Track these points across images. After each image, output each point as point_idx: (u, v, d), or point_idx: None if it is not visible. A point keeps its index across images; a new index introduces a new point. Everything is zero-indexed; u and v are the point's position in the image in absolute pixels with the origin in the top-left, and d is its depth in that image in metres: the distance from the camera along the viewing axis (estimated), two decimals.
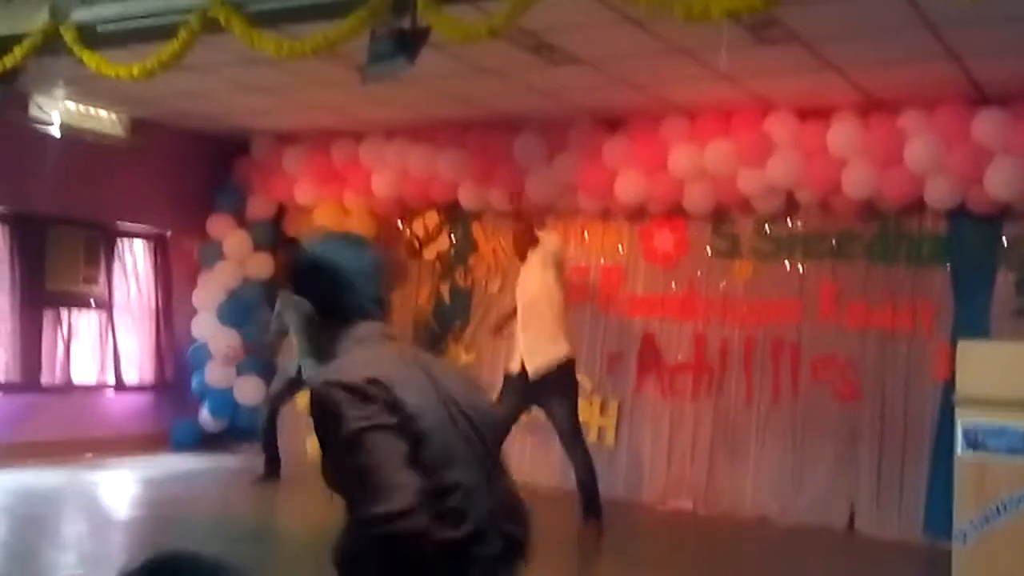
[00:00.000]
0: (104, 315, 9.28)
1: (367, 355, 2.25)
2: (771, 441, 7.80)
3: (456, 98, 7.84)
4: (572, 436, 6.79)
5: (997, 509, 5.60)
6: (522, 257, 7.09)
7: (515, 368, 6.86)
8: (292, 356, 8.25)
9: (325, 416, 2.14)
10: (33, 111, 8.39)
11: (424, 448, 2.13)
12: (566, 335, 6.92)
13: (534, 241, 7.02)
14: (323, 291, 2.32)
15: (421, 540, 2.05)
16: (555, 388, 6.75)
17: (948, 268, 7.30)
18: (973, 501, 5.62)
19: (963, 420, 5.63)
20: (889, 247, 7.49)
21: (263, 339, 8.70)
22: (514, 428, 7.24)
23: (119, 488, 8.02)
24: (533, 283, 6.87)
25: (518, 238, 7.14)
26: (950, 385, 6.63)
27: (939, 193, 6.95)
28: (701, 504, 7.91)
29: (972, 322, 7.00)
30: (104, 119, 9.05)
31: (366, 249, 2.42)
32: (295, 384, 8.19)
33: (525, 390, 6.79)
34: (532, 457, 8.50)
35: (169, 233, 9.81)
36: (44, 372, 8.77)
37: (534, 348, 6.76)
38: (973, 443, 5.63)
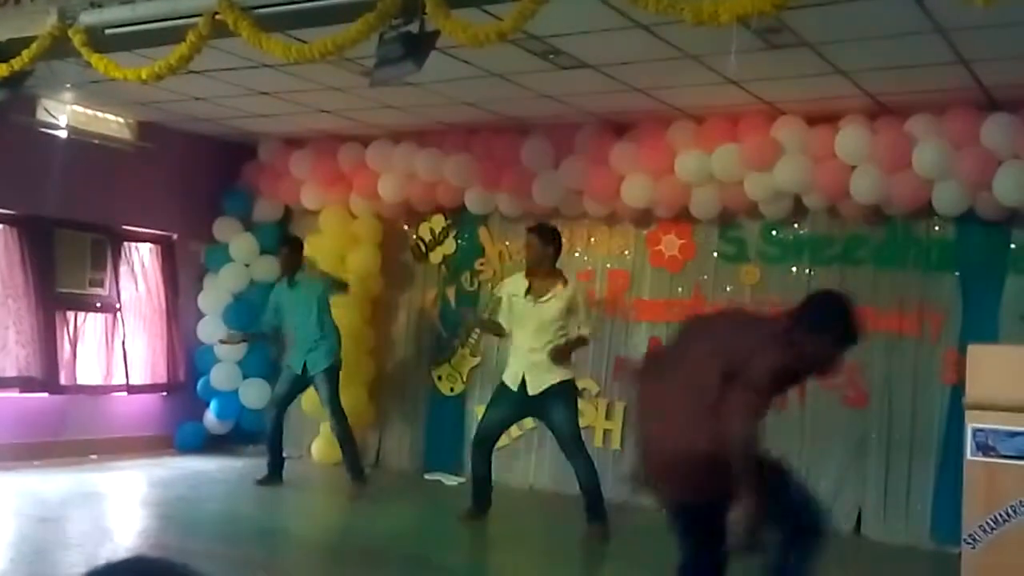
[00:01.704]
0: (110, 317, 9.30)
1: None
2: (778, 446, 7.70)
3: (463, 102, 7.84)
4: (573, 442, 6.81)
5: (1007, 513, 5.58)
6: (534, 268, 6.92)
7: (512, 382, 6.84)
8: (291, 354, 8.30)
9: None
10: (40, 114, 8.38)
11: None
12: (570, 362, 7.00)
13: (551, 266, 6.93)
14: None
15: None
16: (555, 398, 6.76)
17: (957, 273, 7.29)
18: (982, 505, 5.60)
19: (973, 424, 5.62)
20: (897, 252, 7.47)
21: (261, 331, 8.73)
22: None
23: (125, 489, 8.03)
24: (551, 311, 6.76)
25: (538, 252, 6.91)
26: (958, 390, 6.64)
27: (947, 198, 6.93)
28: None
29: (981, 327, 6.99)
30: (111, 122, 9.05)
31: None
32: (300, 383, 8.18)
33: (522, 404, 6.84)
34: (537, 462, 8.53)
35: (176, 236, 9.82)
36: (56, 373, 8.78)
37: (541, 367, 6.74)
38: (983, 447, 5.62)
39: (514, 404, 6.88)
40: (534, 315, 6.81)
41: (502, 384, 6.98)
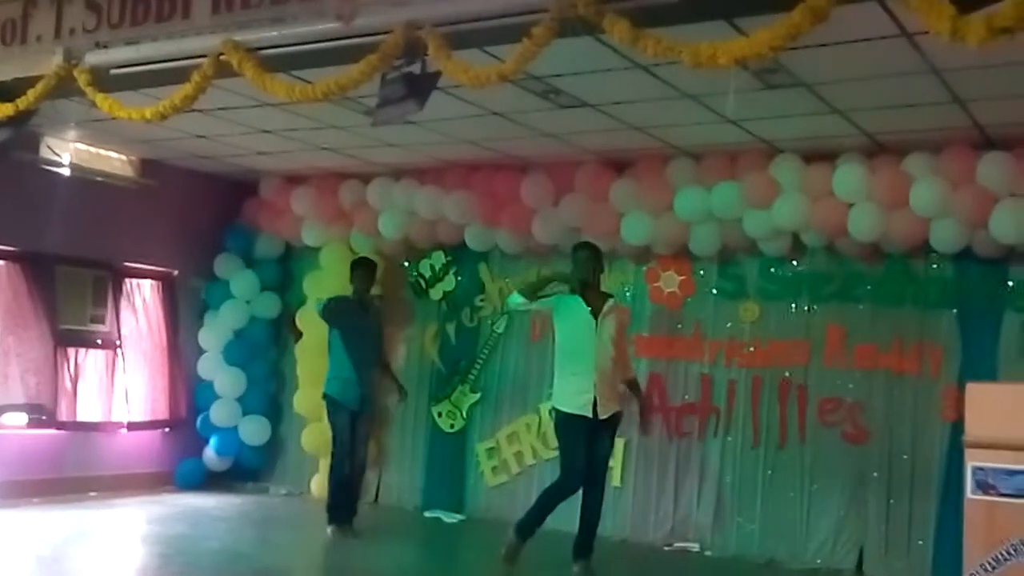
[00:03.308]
0: (111, 354, 9.30)
1: None
2: (779, 483, 7.78)
3: (464, 140, 7.90)
4: (605, 471, 6.78)
5: (1007, 552, 5.57)
6: (592, 285, 6.69)
7: (585, 410, 6.49)
8: (341, 387, 7.74)
9: None
10: (44, 152, 8.45)
11: None
12: None
13: (599, 285, 6.81)
14: None
15: None
16: (611, 426, 6.66)
17: (955, 310, 7.32)
18: (983, 544, 5.59)
19: (973, 463, 5.62)
20: (896, 289, 7.51)
21: None
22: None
23: (125, 527, 8.00)
24: (610, 329, 6.60)
25: (595, 268, 6.72)
26: (958, 427, 6.65)
27: (945, 236, 6.97)
28: (708, 546, 7.88)
29: (979, 364, 7.02)
30: (114, 160, 9.12)
31: None
32: (356, 417, 7.78)
33: (589, 429, 6.53)
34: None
35: (177, 272, 9.85)
36: (56, 409, 8.77)
37: (610, 389, 6.59)
38: (983, 485, 5.61)
39: (587, 431, 6.51)
40: (598, 333, 6.55)
41: (571, 416, 6.52)
